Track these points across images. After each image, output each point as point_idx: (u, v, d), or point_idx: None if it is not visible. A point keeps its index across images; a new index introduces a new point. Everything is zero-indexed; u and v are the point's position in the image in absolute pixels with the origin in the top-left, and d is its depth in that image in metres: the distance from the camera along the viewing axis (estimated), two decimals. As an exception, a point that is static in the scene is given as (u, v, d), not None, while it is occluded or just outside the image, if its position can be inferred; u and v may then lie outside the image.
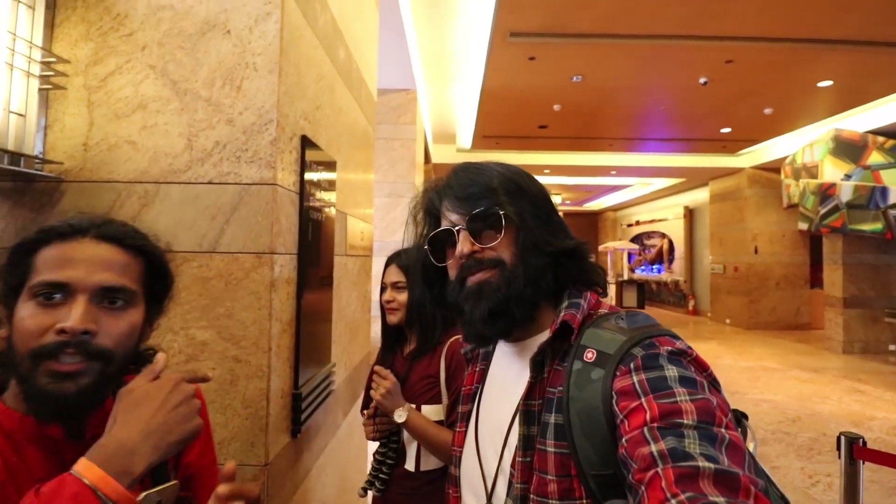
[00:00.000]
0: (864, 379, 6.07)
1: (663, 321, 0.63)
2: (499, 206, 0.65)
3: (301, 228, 1.26)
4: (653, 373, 0.54)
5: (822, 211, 6.97)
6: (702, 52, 5.01)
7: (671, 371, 0.54)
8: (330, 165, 1.53)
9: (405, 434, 1.31)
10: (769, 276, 9.84)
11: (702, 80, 5.73)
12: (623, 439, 0.52)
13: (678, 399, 0.51)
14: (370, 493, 1.37)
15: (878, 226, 6.69)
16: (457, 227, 0.67)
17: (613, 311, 0.65)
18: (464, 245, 0.66)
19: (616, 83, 6.02)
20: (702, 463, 0.45)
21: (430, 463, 1.30)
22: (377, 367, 1.35)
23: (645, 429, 0.50)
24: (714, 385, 0.55)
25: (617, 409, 0.54)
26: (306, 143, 1.27)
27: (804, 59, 5.14)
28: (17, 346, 0.58)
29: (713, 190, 11.09)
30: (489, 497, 0.66)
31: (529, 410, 0.63)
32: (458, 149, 9.77)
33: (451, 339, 1.35)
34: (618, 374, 0.56)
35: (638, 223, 15.81)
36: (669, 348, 0.56)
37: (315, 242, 1.38)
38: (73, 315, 0.58)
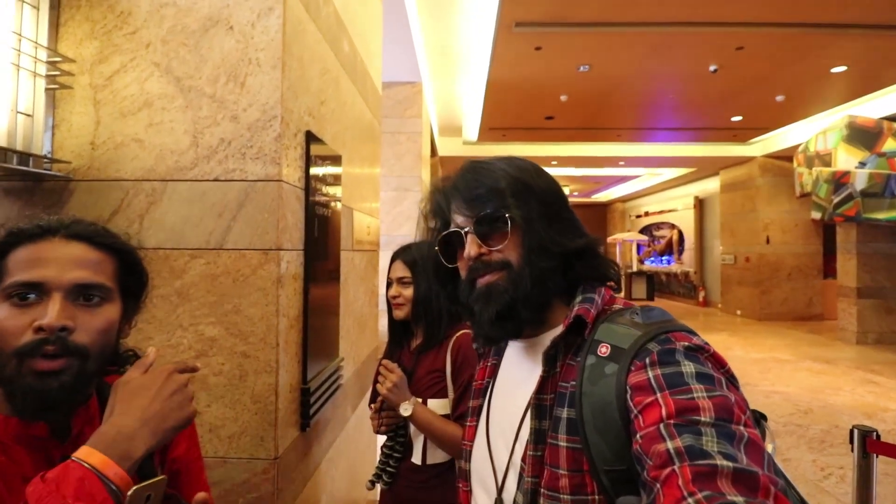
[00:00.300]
0: (878, 370, 5.99)
1: (673, 313, 0.62)
2: (505, 208, 0.65)
3: (307, 224, 1.27)
4: (669, 368, 0.53)
5: (836, 199, 6.85)
6: (711, 38, 4.93)
7: (688, 367, 0.53)
8: (335, 160, 1.53)
9: (412, 428, 1.32)
10: (781, 266, 9.72)
11: (712, 68, 5.63)
12: (637, 435, 0.51)
13: (695, 395, 0.50)
14: (378, 487, 1.38)
15: (893, 214, 6.56)
16: (464, 230, 0.67)
17: (628, 306, 0.64)
18: (471, 248, 0.66)
19: (624, 72, 5.94)
20: (720, 461, 0.44)
21: (437, 456, 1.31)
22: (384, 361, 1.35)
23: (661, 425, 0.49)
24: (732, 382, 0.54)
25: (631, 403, 0.53)
26: (311, 138, 1.27)
27: (817, 44, 5.03)
28: (1, 348, 0.60)
29: (724, 179, 10.95)
30: (499, 491, 0.66)
31: (541, 405, 0.62)
32: (465, 141, 9.72)
33: (458, 334, 1.36)
34: (632, 368, 0.55)
35: (647, 214, 15.67)
36: (686, 344, 0.55)
37: (321, 238, 1.38)
38: (50, 312, 0.59)
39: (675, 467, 0.45)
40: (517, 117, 7.96)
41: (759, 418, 0.58)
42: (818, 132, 7.28)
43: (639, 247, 14.76)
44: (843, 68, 5.72)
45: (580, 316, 0.62)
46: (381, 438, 1.40)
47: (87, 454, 0.53)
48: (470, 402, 0.78)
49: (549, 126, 8.49)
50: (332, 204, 1.51)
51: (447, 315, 1.37)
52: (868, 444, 1.79)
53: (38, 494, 0.48)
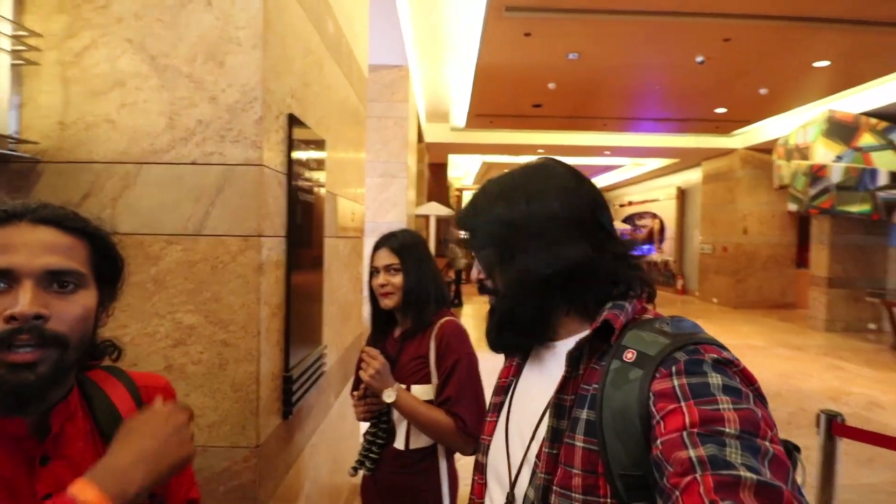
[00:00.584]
0: (845, 356, 6.20)
1: None
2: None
3: (289, 210, 1.23)
4: (695, 378, 0.52)
5: (812, 192, 6.99)
6: (700, 29, 4.92)
7: (715, 379, 0.51)
8: (319, 145, 1.49)
9: (395, 413, 1.31)
10: (757, 256, 9.94)
11: (699, 59, 5.64)
12: (658, 441, 0.50)
13: (721, 407, 0.49)
14: (360, 473, 1.38)
15: (865, 207, 6.73)
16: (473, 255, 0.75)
17: (659, 317, 0.63)
18: (476, 271, 0.71)
19: (612, 61, 5.92)
20: (743, 473, 0.43)
21: (420, 441, 1.31)
22: (366, 348, 1.33)
23: (684, 433, 0.48)
24: (760, 399, 0.52)
25: (654, 409, 0.52)
26: (294, 121, 1.23)
27: (801, 37, 5.07)
28: None
29: (706, 170, 11.08)
30: (512, 485, 0.67)
31: (561, 404, 0.62)
32: (452, 127, 9.63)
33: (442, 321, 1.34)
34: (657, 376, 0.54)
35: (630, 203, 15.82)
36: (715, 356, 0.54)
37: (304, 224, 1.35)
38: (22, 300, 0.55)
39: (697, 475, 0.44)
40: (505, 104, 7.90)
41: (791, 449, 0.56)
42: (799, 126, 7.39)
43: (622, 235, 14.90)
44: (825, 63, 5.78)
45: (608, 321, 0.61)
46: (365, 425, 1.40)
47: (81, 489, 0.50)
48: (491, 397, 0.79)
49: (537, 114, 8.45)
50: (316, 189, 1.47)
51: (435, 300, 1.36)
52: (833, 427, 1.86)
53: None
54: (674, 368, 0.53)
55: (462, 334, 1.33)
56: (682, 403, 0.50)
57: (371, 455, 1.33)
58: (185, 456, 0.60)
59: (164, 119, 1.07)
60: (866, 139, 6.76)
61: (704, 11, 4.53)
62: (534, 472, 0.63)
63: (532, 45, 5.40)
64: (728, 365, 0.54)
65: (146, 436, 0.58)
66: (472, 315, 9.24)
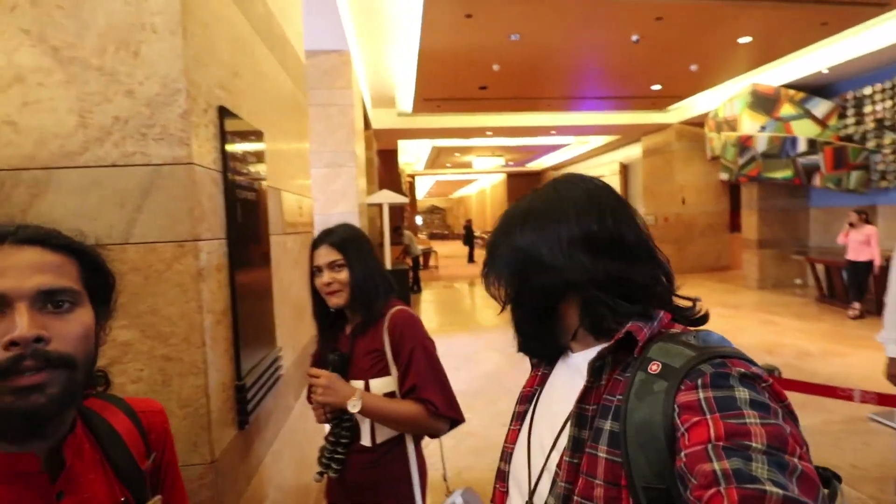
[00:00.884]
0: (776, 311, 6.74)
1: None
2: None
3: (228, 210, 1.15)
4: (721, 392, 0.50)
5: (741, 161, 7.46)
6: (633, 9, 5.05)
7: (742, 393, 0.50)
8: (256, 138, 1.40)
9: None
10: (695, 224, 10.54)
11: (634, 38, 5.80)
12: (682, 453, 0.49)
13: (747, 421, 0.47)
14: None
15: (788, 173, 7.27)
16: None
17: (686, 331, 0.62)
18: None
19: (553, 41, 5.98)
20: (769, 488, 0.42)
21: (386, 433, 1.29)
22: (308, 370, 1.29)
23: (709, 446, 0.47)
24: (790, 416, 0.51)
25: (678, 421, 0.51)
26: (225, 114, 1.14)
27: (727, 15, 5.32)
28: None
29: (645, 146, 11.54)
30: (531, 494, 0.66)
31: (583, 414, 0.61)
32: (400, 113, 9.47)
33: (393, 311, 1.31)
34: (682, 388, 0.53)
35: (577, 180, 16.25)
36: (742, 370, 0.53)
37: (247, 223, 1.27)
38: (20, 324, 0.52)
39: (721, 488, 0.43)
40: (451, 87, 7.84)
41: (830, 477, 0.53)
42: (726, 99, 7.82)
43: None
44: (748, 38, 6.11)
45: (631, 332, 0.60)
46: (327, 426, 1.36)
47: None
48: (515, 406, 0.78)
49: (483, 96, 8.45)
50: (257, 185, 1.39)
51: (383, 292, 1.32)
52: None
53: None
54: (700, 381, 0.52)
55: (415, 322, 1.31)
56: (708, 416, 0.49)
57: (337, 456, 1.29)
58: None
59: (75, 117, 0.96)
60: (786, 109, 7.26)
61: (637, -10, 4.66)
62: (554, 481, 0.62)
63: (474, 26, 5.36)
64: (756, 380, 0.52)
65: None
66: (432, 301, 9.27)
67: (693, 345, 0.57)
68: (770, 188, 8.07)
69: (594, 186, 0.69)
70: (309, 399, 1.40)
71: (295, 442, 1.78)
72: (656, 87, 8.30)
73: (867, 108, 6.89)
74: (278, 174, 1.70)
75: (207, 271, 1.04)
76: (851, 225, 6.02)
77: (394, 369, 1.27)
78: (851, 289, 6.25)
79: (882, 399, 1.94)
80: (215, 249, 1.08)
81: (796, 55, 6.92)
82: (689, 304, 0.68)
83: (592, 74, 7.53)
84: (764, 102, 7.29)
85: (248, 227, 1.28)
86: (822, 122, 7.26)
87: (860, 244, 5.94)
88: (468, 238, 16.65)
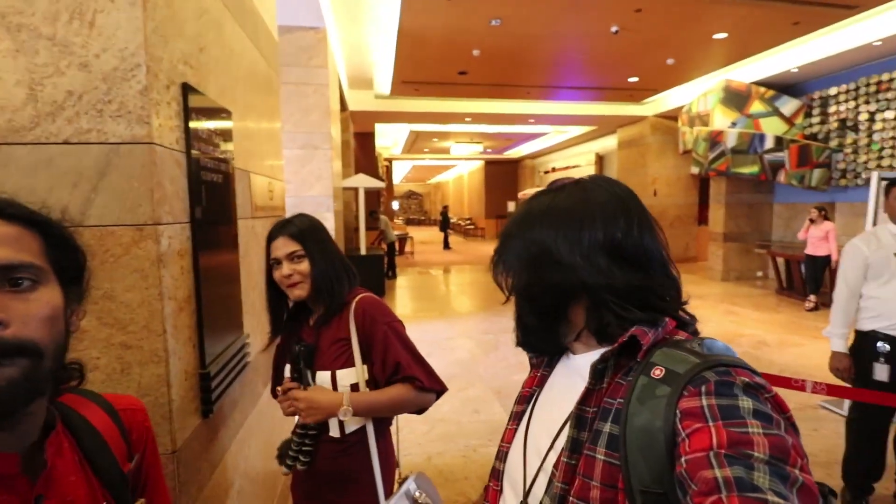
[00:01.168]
0: (738, 302, 7.02)
1: None
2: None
3: (192, 193, 1.11)
4: (725, 400, 0.51)
5: (711, 156, 7.65)
6: (613, -1, 5.06)
7: (745, 402, 0.50)
8: (223, 117, 1.35)
9: None
10: (665, 215, 10.80)
11: (613, 29, 5.83)
12: (682, 459, 0.49)
13: (750, 430, 0.48)
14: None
15: (755, 168, 7.50)
16: None
17: (690, 338, 0.62)
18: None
19: (533, 29, 5.95)
20: (771, 497, 0.42)
21: (354, 423, 1.28)
22: (280, 389, 1.26)
23: (710, 453, 0.47)
24: (793, 427, 0.51)
25: (680, 427, 0.51)
26: (189, 91, 1.09)
27: (704, 10, 5.39)
28: None
29: (620, 137, 11.71)
30: (526, 494, 0.66)
31: (582, 415, 0.61)
32: (377, 95, 9.29)
33: (357, 298, 1.29)
34: (685, 394, 0.53)
35: (554, 170, 16.41)
36: (746, 380, 0.53)
37: (212, 207, 1.23)
38: None
39: (723, 496, 0.43)
40: (430, 71, 7.73)
41: (827, 493, 0.54)
42: (700, 94, 7.97)
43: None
44: (723, 35, 6.22)
45: (635, 336, 0.60)
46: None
47: None
48: (514, 406, 0.77)
49: (463, 81, 8.37)
50: (223, 167, 1.34)
51: (347, 280, 1.30)
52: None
53: None
54: (703, 388, 0.52)
55: (381, 306, 1.30)
56: (711, 424, 0.49)
57: (305, 448, 1.27)
58: None
59: (24, 90, 0.89)
60: (756, 106, 7.46)
61: (618, -19, 4.66)
62: (550, 482, 0.62)
63: (454, 9, 5.27)
64: (759, 390, 0.52)
65: None
66: (407, 286, 9.26)
67: (697, 352, 0.57)
68: (737, 183, 8.32)
69: (622, 191, 0.68)
70: (274, 394, 1.38)
71: (263, 429, 1.76)
72: (633, 79, 8.39)
73: (832, 109, 7.15)
74: (247, 155, 1.64)
75: (169, 256, 1.00)
76: (811, 221, 6.28)
77: (358, 359, 1.25)
78: (808, 282, 6.55)
79: (832, 390, 2.05)
80: (177, 234, 1.04)
81: (768, 53, 7.10)
82: (692, 314, 0.69)
83: (572, 64, 7.54)
84: (736, 99, 7.47)
85: (213, 210, 1.24)
86: (789, 121, 7.50)
87: (819, 240, 6.19)
88: (444, 224, 16.63)
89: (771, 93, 7.52)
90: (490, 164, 20.16)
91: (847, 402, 2.80)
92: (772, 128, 7.43)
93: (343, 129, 7.94)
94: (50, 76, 0.90)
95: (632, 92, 9.35)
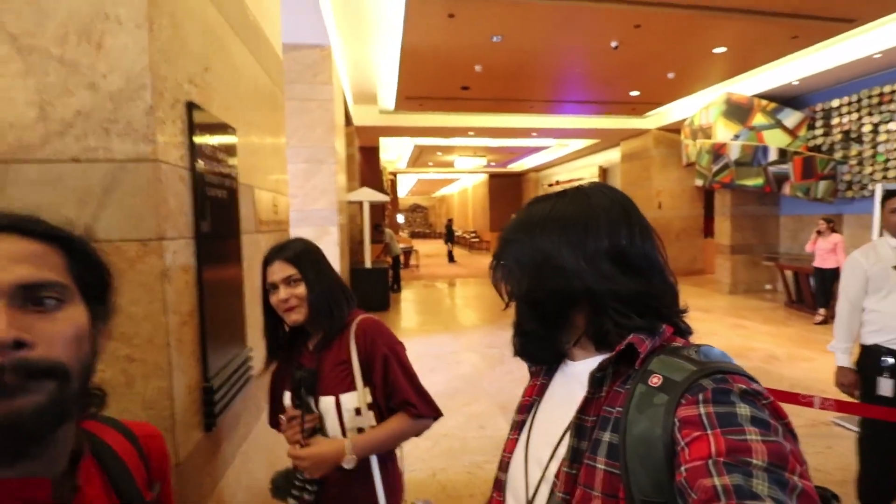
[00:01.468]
0: (746, 315, 6.94)
1: None
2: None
3: (196, 208, 1.13)
4: (722, 407, 0.51)
5: (715, 168, 7.65)
6: (613, 15, 5.13)
7: (743, 409, 0.50)
8: (227, 134, 1.37)
9: (326, 422, 1.23)
10: (670, 228, 10.78)
11: (613, 44, 5.90)
12: (682, 468, 0.49)
13: (748, 438, 0.48)
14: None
15: (759, 181, 7.49)
16: None
17: (687, 345, 0.63)
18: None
19: (534, 45, 6.03)
20: None
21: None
22: (283, 417, 1.21)
23: (709, 461, 0.47)
24: (790, 434, 0.51)
25: (678, 436, 0.51)
26: (194, 109, 1.12)
27: (703, 25, 5.45)
28: None
29: (624, 150, 11.75)
30: (529, 503, 0.66)
31: (582, 425, 0.61)
32: (381, 110, 9.41)
33: (357, 320, 1.27)
34: (683, 402, 0.53)
35: (557, 183, 16.46)
36: (743, 387, 0.53)
37: (216, 222, 1.25)
38: None
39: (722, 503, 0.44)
40: (434, 86, 7.83)
41: (830, 497, 0.54)
42: (702, 107, 8.01)
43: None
44: (723, 49, 6.27)
45: (632, 344, 0.60)
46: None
47: None
48: (514, 415, 0.77)
49: (466, 96, 8.47)
50: (228, 182, 1.36)
51: (345, 303, 1.28)
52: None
53: None
54: (700, 396, 0.52)
55: (382, 328, 1.29)
56: (709, 431, 0.49)
57: (309, 487, 1.21)
58: None
59: (35, 109, 0.92)
60: (759, 119, 7.48)
61: (617, -3, 4.74)
62: (552, 492, 0.62)
63: (456, 26, 5.36)
64: (757, 396, 0.52)
65: None
66: (412, 300, 9.25)
67: (694, 359, 0.57)
68: (742, 195, 8.31)
69: (622, 198, 0.69)
70: (272, 423, 1.34)
71: (266, 443, 1.75)
72: (635, 93, 8.45)
73: (835, 120, 7.16)
74: (252, 171, 1.67)
75: (173, 271, 1.01)
76: (819, 233, 6.23)
77: (360, 381, 1.22)
78: (818, 295, 6.48)
79: (841, 406, 2.02)
80: (181, 249, 1.06)
81: (769, 66, 7.14)
82: (687, 320, 0.68)
83: (573, 78, 7.62)
84: (738, 111, 7.50)
85: (217, 225, 1.26)
86: (792, 133, 7.51)
87: (827, 252, 6.14)
88: (449, 237, 16.67)
89: (773, 105, 7.54)
90: (494, 178, 20.26)
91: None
92: (775, 140, 7.44)
93: (348, 143, 8.04)
94: (59, 96, 0.93)
95: (634, 105, 9.42)
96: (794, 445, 0.50)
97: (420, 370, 1.31)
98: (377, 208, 10.44)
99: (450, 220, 18.01)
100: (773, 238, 8.59)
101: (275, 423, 1.35)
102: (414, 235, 30.49)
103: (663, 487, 0.52)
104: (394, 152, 15.31)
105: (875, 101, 6.58)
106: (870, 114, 6.67)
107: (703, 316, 6.90)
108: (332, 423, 1.22)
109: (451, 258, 16.20)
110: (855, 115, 6.86)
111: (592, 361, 0.65)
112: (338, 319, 1.26)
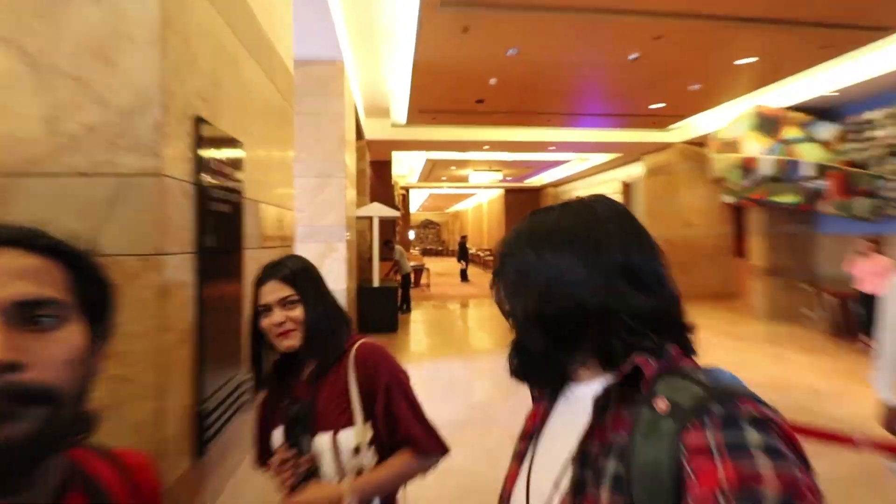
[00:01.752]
0: (784, 344, 6.72)
1: None
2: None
3: (199, 223, 1.17)
4: (731, 434, 0.51)
5: (745, 184, 7.58)
6: (632, 27, 5.20)
7: (753, 436, 0.50)
8: (234, 150, 1.43)
9: (327, 460, 1.17)
10: (699, 247, 10.64)
11: (632, 56, 5.96)
12: (689, 498, 0.49)
13: (759, 467, 0.48)
14: None
15: (795, 198, 7.38)
16: None
17: (696, 367, 0.63)
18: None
19: (551, 58, 6.13)
20: None
21: None
22: (274, 460, 1.15)
23: (718, 492, 0.47)
24: (804, 463, 0.51)
25: (686, 464, 0.51)
26: (202, 125, 1.17)
27: (726, 36, 5.49)
28: None
29: (648, 165, 11.72)
30: None
31: (586, 453, 0.61)
32: (394, 124, 9.60)
33: (357, 345, 1.22)
34: (690, 428, 0.53)
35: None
36: (753, 412, 0.53)
37: (219, 237, 1.29)
38: None
39: None
40: (447, 100, 7.97)
41: None
42: (730, 120, 7.99)
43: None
44: (751, 59, 6.28)
45: (638, 366, 0.61)
46: None
47: None
48: (516, 444, 0.77)
49: (480, 109, 8.59)
50: (233, 197, 1.41)
51: (344, 327, 1.24)
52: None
53: None
54: (709, 422, 0.52)
55: (385, 354, 1.25)
56: (718, 460, 0.49)
57: None
58: None
59: (43, 124, 0.98)
60: (791, 132, 7.42)
61: (634, 9, 4.80)
62: None
63: (471, 40, 5.49)
64: (767, 422, 0.52)
65: None
66: (422, 321, 9.24)
67: (703, 383, 0.57)
68: (776, 212, 8.18)
69: (626, 211, 0.70)
70: (260, 463, 1.30)
71: (261, 473, 1.76)
72: (656, 105, 8.48)
73: (874, 133, 7.06)
74: (258, 185, 1.72)
75: (172, 288, 1.05)
76: (860, 254, 6.04)
77: (359, 416, 1.17)
78: (864, 323, 6.22)
79: (885, 447, 1.92)
80: (181, 265, 1.10)
81: (800, 77, 7.12)
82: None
83: (591, 91, 7.69)
84: (768, 124, 7.46)
85: (220, 240, 1.30)
86: (828, 146, 7.43)
87: (873, 275, 5.84)
88: (462, 255, 16.69)
89: (806, 118, 7.48)
90: (510, 193, 20.33)
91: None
92: (809, 154, 7.36)
93: (359, 157, 8.18)
94: (69, 111, 0.99)
95: (656, 118, 9.43)
96: (806, 474, 0.49)
97: (429, 398, 1.28)
98: (387, 224, 10.54)
99: (463, 237, 18.05)
100: (810, 259, 8.40)
101: (262, 462, 1.29)
102: (426, 253, 30.57)
103: None
104: (406, 166, 15.52)
105: (918, 113, 6.48)
106: (913, 127, 6.56)
107: (736, 345, 6.71)
108: (328, 464, 1.16)
109: (464, 277, 16.19)
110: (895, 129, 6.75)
111: (597, 384, 0.65)
112: (338, 347, 1.21)
